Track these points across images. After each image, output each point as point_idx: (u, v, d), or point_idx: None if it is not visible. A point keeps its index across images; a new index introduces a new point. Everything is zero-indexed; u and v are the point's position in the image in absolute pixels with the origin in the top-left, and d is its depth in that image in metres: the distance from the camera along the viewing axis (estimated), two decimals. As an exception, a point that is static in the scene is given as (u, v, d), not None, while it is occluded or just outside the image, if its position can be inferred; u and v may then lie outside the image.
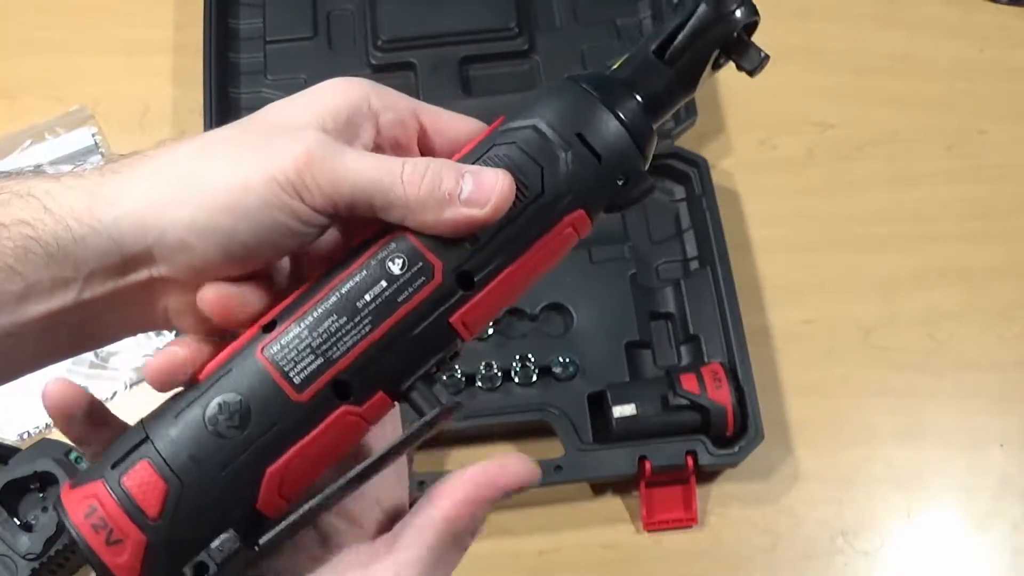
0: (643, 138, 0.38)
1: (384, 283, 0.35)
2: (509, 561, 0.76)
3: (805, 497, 0.77)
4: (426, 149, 0.40)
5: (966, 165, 0.90)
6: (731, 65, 0.40)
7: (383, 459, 0.36)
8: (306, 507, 0.35)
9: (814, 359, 0.82)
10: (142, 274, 0.36)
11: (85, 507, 0.34)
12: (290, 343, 0.35)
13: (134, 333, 0.39)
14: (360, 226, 0.37)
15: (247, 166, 0.35)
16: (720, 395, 0.74)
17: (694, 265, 0.84)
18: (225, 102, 0.89)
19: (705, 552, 0.76)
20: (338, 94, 0.38)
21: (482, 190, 0.35)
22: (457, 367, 0.77)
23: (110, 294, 0.36)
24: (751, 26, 0.38)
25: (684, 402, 0.74)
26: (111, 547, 0.34)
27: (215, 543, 0.34)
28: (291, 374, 0.35)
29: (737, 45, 0.38)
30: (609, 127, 0.37)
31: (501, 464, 0.38)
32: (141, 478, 0.34)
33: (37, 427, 0.79)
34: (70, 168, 0.81)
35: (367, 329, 0.35)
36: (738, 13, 0.37)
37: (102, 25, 0.96)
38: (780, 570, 0.75)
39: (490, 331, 0.80)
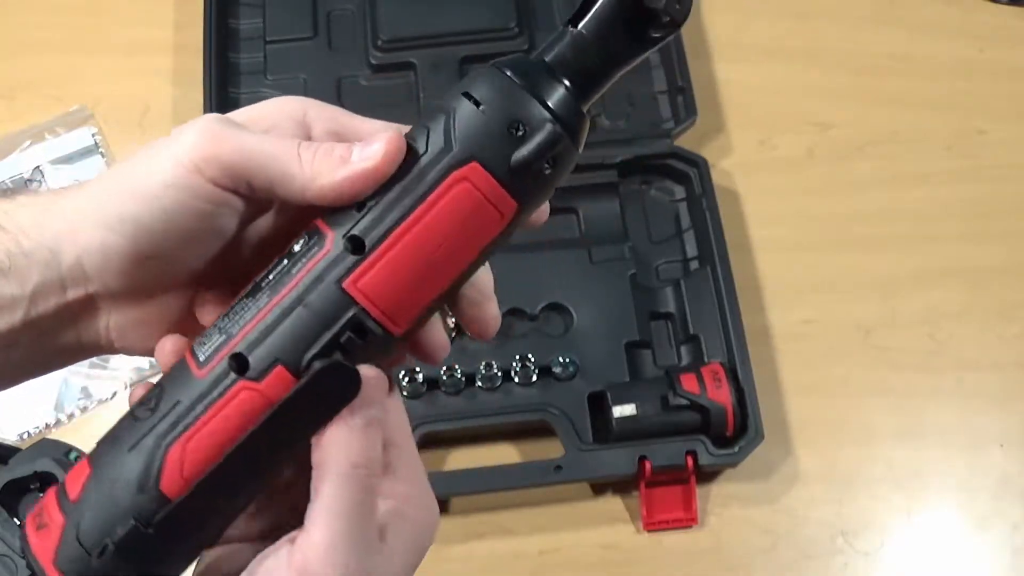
0: (538, 87, 0.36)
1: (285, 261, 0.36)
2: (509, 561, 0.76)
3: (805, 497, 0.77)
4: None
5: (966, 165, 0.90)
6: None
7: (266, 428, 0.34)
8: (196, 483, 0.34)
9: (814, 359, 0.82)
10: (79, 291, 0.37)
11: (38, 505, 0.36)
12: (208, 330, 0.36)
13: (85, 357, 0.40)
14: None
15: (152, 154, 0.36)
16: (720, 395, 0.74)
17: (694, 265, 0.84)
18: (225, 102, 0.89)
19: (705, 552, 0.76)
20: (268, 104, 0.39)
21: (371, 146, 0.35)
22: (457, 367, 0.77)
23: (55, 313, 0.37)
24: None
25: (684, 402, 0.74)
26: (39, 532, 0.35)
27: (118, 525, 0.34)
28: (197, 353, 0.35)
29: None
30: (494, 79, 0.36)
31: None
32: (77, 469, 0.36)
33: (37, 427, 0.79)
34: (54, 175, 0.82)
35: (263, 302, 0.35)
36: None
37: (102, 25, 0.96)
38: (780, 570, 0.75)
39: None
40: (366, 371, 0.35)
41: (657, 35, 0.37)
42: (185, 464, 0.34)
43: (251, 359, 0.35)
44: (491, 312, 0.40)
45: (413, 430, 0.74)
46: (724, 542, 0.76)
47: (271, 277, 0.36)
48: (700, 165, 0.85)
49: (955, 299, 0.84)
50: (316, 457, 0.35)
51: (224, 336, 0.35)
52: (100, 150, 0.90)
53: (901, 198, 0.88)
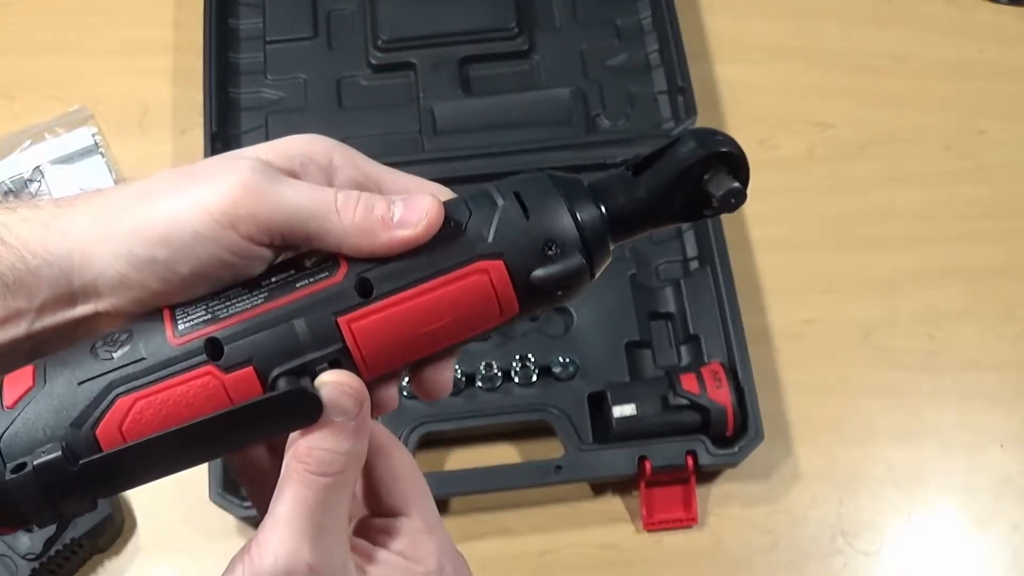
0: (585, 220, 0.37)
1: (292, 270, 0.36)
2: (509, 561, 0.76)
3: (805, 497, 0.77)
4: None
5: (966, 165, 0.90)
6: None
7: (216, 423, 0.34)
8: (132, 443, 0.34)
9: (814, 359, 0.82)
10: (88, 307, 0.37)
11: None
12: (194, 300, 0.36)
13: None
14: None
15: (185, 199, 0.35)
16: (720, 395, 0.74)
17: (694, 265, 0.84)
18: (225, 102, 0.89)
19: (705, 552, 0.76)
20: (297, 143, 0.38)
21: (413, 211, 0.35)
22: (457, 367, 0.77)
23: (59, 325, 0.37)
24: (729, 158, 0.38)
25: (684, 402, 0.74)
26: None
27: (43, 448, 0.34)
28: (179, 320, 0.36)
29: (708, 170, 0.38)
30: (546, 191, 0.37)
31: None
32: (19, 375, 0.36)
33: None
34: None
35: (259, 300, 0.36)
36: (714, 144, 0.38)
37: (102, 25, 0.96)
38: (780, 570, 0.75)
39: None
40: (342, 378, 0.35)
41: (705, 214, 0.39)
42: (127, 420, 0.35)
43: (227, 349, 0.35)
44: (446, 378, 0.40)
45: (412, 430, 0.74)
46: (724, 542, 0.76)
47: (274, 280, 0.36)
48: (700, 165, 0.85)
49: (955, 299, 0.84)
50: (284, 459, 0.36)
51: (209, 316, 0.36)
52: (100, 150, 0.90)
53: (901, 198, 0.88)
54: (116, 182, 0.89)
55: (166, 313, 0.36)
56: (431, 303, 0.36)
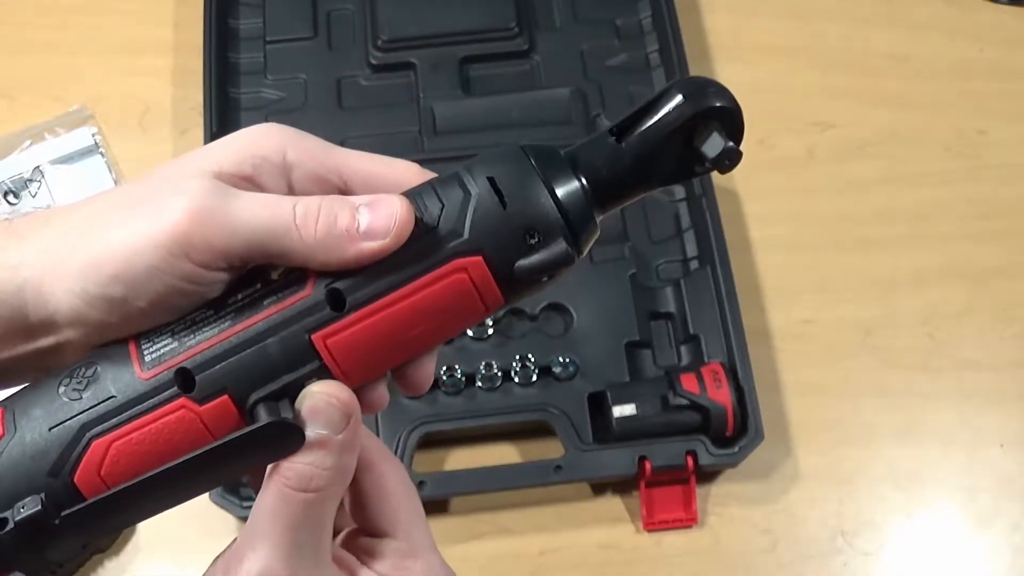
0: (567, 201, 0.34)
1: (259, 285, 0.34)
2: (509, 561, 0.76)
3: (805, 497, 0.77)
4: None
5: (966, 165, 0.90)
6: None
7: (198, 461, 0.33)
8: (113, 490, 0.33)
9: (814, 359, 0.82)
10: (48, 340, 0.35)
11: None
12: (160, 327, 0.34)
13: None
14: None
15: (134, 229, 0.33)
16: (720, 395, 0.74)
17: (694, 265, 0.84)
18: (225, 102, 0.89)
19: (705, 552, 0.76)
20: (247, 142, 0.35)
21: (380, 218, 0.33)
22: (457, 367, 0.77)
23: (19, 357, 0.35)
24: (722, 113, 0.35)
25: (684, 402, 0.74)
26: None
27: (21, 502, 0.33)
28: (145, 352, 0.34)
29: (698, 127, 0.35)
30: (522, 171, 0.34)
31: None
32: None
33: None
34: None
35: (226, 324, 0.34)
36: (705, 100, 0.35)
37: (102, 25, 0.96)
38: (780, 570, 0.75)
39: (490, 331, 0.80)
40: (330, 388, 0.34)
41: (696, 172, 0.36)
42: (105, 464, 0.33)
43: (198, 380, 0.34)
44: (427, 372, 0.38)
45: (412, 430, 0.74)
46: (724, 542, 0.76)
47: (240, 298, 0.34)
48: (700, 165, 0.85)
49: (955, 299, 0.84)
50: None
51: (176, 344, 0.34)
52: (100, 150, 0.90)
53: (901, 198, 0.88)
54: (116, 182, 0.89)
55: (131, 345, 0.34)
56: (409, 309, 0.34)
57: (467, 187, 0.34)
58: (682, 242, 0.85)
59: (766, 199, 0.88)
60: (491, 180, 0.34)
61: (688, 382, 0.75)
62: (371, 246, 0.33)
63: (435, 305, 0.34)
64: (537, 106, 0.89)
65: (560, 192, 0.34)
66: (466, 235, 0.34)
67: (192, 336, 0.34)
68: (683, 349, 0.80)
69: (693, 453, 0.74)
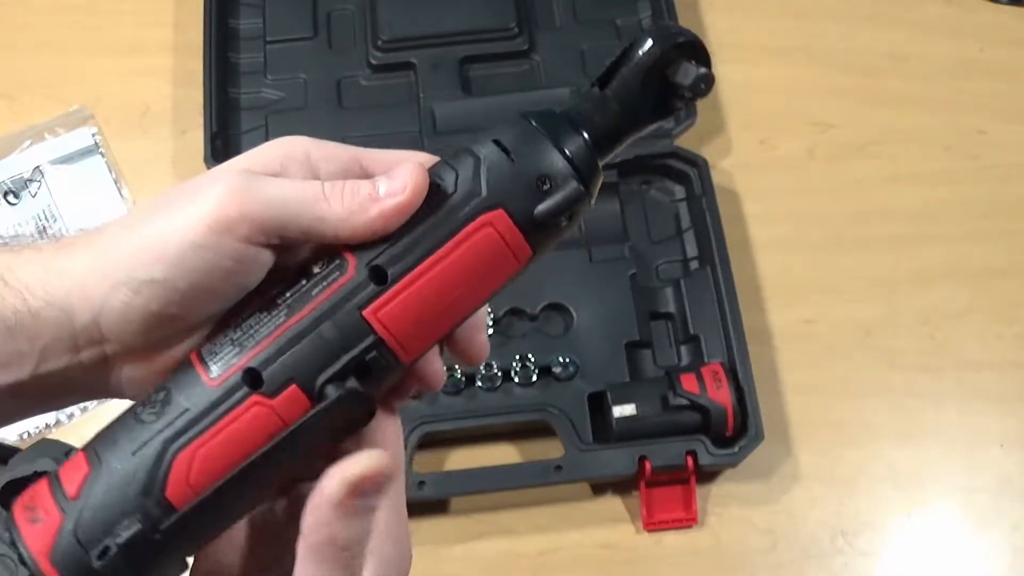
0: (566, 144, 0.37)
1: (304, 280, 0.36)
2: (509, 561, 0.76)
3: (805, 497, 0.77)
4: None
5: (966, 165, 0.90)
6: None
7: (279, 448, 0.35)
8: (206, 493, 0.34)
9: (814, 359, 0.82)
10: (93, 351, 0.36)
11: (27, 497, 0.35)
12: (217, 339, 0.36)
13: (90, 399, 0.40)
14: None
15: (175, 217, 0.35)
16: (720, 395, 0.74)
17: (694, 265, 0.84)
18: (225, 102, 0.89)
19: (705, 552, 0.76)
20: (273, 146, 0.38)
21: (396, 180, 0.36)
22: (457, 367, 0.77)
23: (64, 371, 0.36)
24: (687, 48, 0.38)
25: (684, 402, 0.74)
26: (33, 526, 0.34)
27: (120, 526, 0.34)
28: (209, 362, 0.35)
29: (670, 64, 0.37)
30: (524, 130, 0.37)
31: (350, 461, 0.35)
32: (72, 463, 0.35)
33: (37, 427, 0.79)
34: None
35: (281, 319, 0.35)
36: (670, 38, 0.37)
37: (102, 25, 0.96)
38: (780, 570, 0.75)
39: (490, 331, 0.80)
40: (386, 461, 0.35)
41: (678, 105, 0.39)
42: (192, 473, 0.34)
43: (265, 375, 0.35)
44: (482, 340, 0.40)
45: (413, 430, 0.74)
46: (724, 542, 0.76)
47: (288, 295, 0.36)
48: (700, 165, 0.85)
49: (955, 299, 0.84)
50: (307, 523, 0.35)
51: (238, 349, 0.35)
52: (100, 150, 0.90)
53: (901, 198, 0.88)
54: (116, 182, 0.89)
55: (195, 359, 0.36)
56: (447, 270, 0.36)
57: (476, 153, 0.37)
58: (682, 242, 0.85)
59: (766, 199, 0.88)
60: (496, 141, 0.37)
61: (688, 382, 0.75)
62: (391, 203, 0.35)
63: (470, 262, 0.36)
64: (537, 106, 0.88)
65: (561, 140, 0.37)
66: (484, 193, 0.36)
67: (251, 338, 0.35)
68: (683, 349, 0.81)
69: (693, 453, 0.74)
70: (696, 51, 0.38)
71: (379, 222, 0.35)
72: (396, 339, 0.36)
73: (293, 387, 0.35)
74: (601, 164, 0.39)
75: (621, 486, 0.77)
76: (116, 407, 0.38)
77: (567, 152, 0.37)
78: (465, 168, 0.37)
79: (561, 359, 0.78)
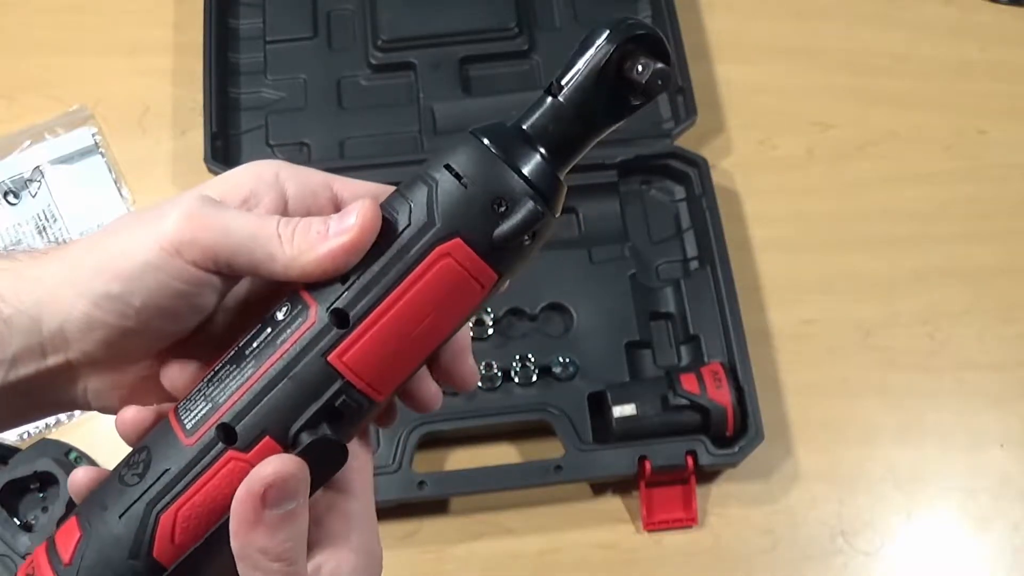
0: (519, 160, 0.36)
1: (269, 329, 0.36)
2: (509, 561, 0.76)
3: (805, 497, 0.77)
4: None
5: (966, 165, 0.90)
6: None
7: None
8: (192, 550, 0.35)
9: (814, 359, 0.82)
10: (59, 357, 0.37)
11: (28, 564, 0.36)
12: (192, 394, 0.36)
13: (60, 412, 0.41)
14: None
15: (135, 235, 0.36)
16: (720, 395, 0.74)
17: (694, 265, 0.84)
18: (225, 102, 0.89)
19: (705, 552, 0.76)
20: (244, 171, 0.39)
21: (346, 218, 0.35)
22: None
23: (33, 377, 0.37)
24: (643, 40, 0.36)
25: (684, 402, 0.74)
26: None
27: None
28: (184, 420, 0.36)
29: (626, 59, 0.36)
30: (475, 151, 0.36)
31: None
32: (66, 528, 0.36)
33: (37, 427, 0.79)
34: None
35: (249, 371, 0.35)
36: (623, 31, 0.36)
37: (102, 25, 0.96)
38: (780, 570, 0.75)
39: (490, 331, 0.80)
40: (287, 465, 0.34)
41: (636, 103, 0.37)
42: (176, 532, 0.35)
43: (239, 430, 0.35)
44: (468, 365, 0.40)
45: (413, 430, 0.74)
46: (724, 542, 0.76)
47: (255, 345, 0.36)
48: (700, 165, 0.85)
49: (955, 299, 0.84)
50: (234, 545, 0.35)
51: (210, 404, 0.35)
52: (100, 150, 0.90)
53: (901, 198, 0.88)
54: (116, 182, 0.89)
55: (171, 417, 0.36)
56: (409, 306, 0.35)
57: (428, 181, 0.36)
58: (682, 242, 0.85)
59: (766, 199, 0.88)
60: (447, 167, 0.36)
61: (688, 382, 0.75)
62: (338, 242, 0.35)
63: (431, 295, 0.35)
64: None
65: (513, 157, 0.36)
66: (438, 223, 0.35)
67: (222, 392, 0.36)
68: (683, 349, 0.81)
69: (693, 453, 0.74)
70: (653, 44, 0.36)
71: (327, 261, 0.35)
72: (365, 380, 0.36)
73: (267, 439, 0.35)
74: (562, 174, 0.37)
75: (621, 486, 0.77)
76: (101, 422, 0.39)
77: (521, 170, 0.36)
78: (418, 198, 0.36)
79: (561, 359, 0.78)
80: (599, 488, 0.78)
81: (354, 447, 0.38)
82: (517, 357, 0.78)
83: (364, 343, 0.35)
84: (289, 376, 0.35)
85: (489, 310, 0.79)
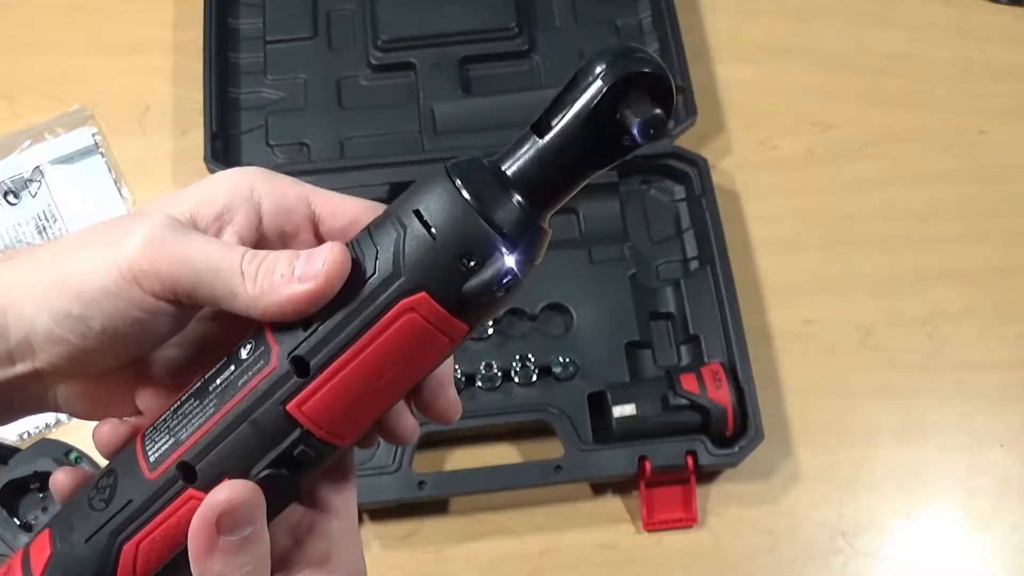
0: (494, 210, 0.33)
1: (232, 367, 0.35)
2: (509, 561, 0.76)
3: (805, 497, 0.77)
4: (320, 237, 0.38)
5: (966, 165, 0.90)
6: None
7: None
8: None
9: (814, 359, 0.82)
10: (27, 365, 0.36)
11: (5, 569, 0.37)
12: (158, 423, 0.36)
13: (33, 414, 0.40)
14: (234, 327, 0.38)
15: (97, 254, 0.35)
16: (720, 395, 0.74)
17: (694, 265, 0.84)
18: (225, 102, 0.89)
19: (705, 552, 0.76)
20: (218, 183, 0.38)
21: (312, 263, 0.34)
22: (457, 367, 0.77)
23: (3, 383, 0.37)
24: (642, 79, 0.32)
25: (684, 402, 0.74)
26: None
27: None
28: (148, 452, 0.36)
29: (623, 98, 0.32)
30: (447, 199, 0.33)
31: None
32: (39, 542, 0.36)
33: (37, 427, 0.79)
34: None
35: (211, 410, 0.35)
36: (623, 67, 0.32)
37: (102, 25, 0.96)
38: (780, 570, 0.75)
39: (490, 331, 0.80)
40: (239, 491, 0.34)
41: (628, 146, 0.33)
42: (138, 563, 0.35)
43: (199, 469, 0.35)
44: (449, 398, 0.39)
45: (413, 430, 0.74)
46: (724, 542, 0.76)
47: (218, 383, 0.35)
48: (700, 165, 0.85)
49: (955, 299, 0.84)
50: (195, 574, 0.35)
51: (173, 440, 0.35)
52: (100, 150, 0.90)
53: (901, 198, 0.88)
54: (116, 182, 0.89)
55: (138, 444, 0.36)
56: (371, 359, 0.33)
57: (397, 226, 0.34)
58: (682, 242, 0.85)
59: (766, 199, 0.88)
60: (417, 213, 0.33)
61: (688, 382, 0.75)
62: (302, 289, 0.33)
63: (395, 350, 0.34)
64: (537, 106, 0.88)
65: (486, 206, 0.33)
66: (404, 275, 0.33)
67: (184, 428, 0.35)
68: (683, 349, 0.81)
69: (693, 453, 0.74)
70: (652, 83, 0.32)
71: (289, 306, 0.34)
72: (325, 430, 0.34)
73: (225, 481, 0.35)
74: (544, 221, 0.34)
75: (621, 486, 0.77)
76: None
77: (495, 221, 0.33)
78: (385, 244, 0.34)
79: (561, 359, 0.78)
80: (599, 488, 0.78)
81: (334, 467, 0.37)
82: (517, 357, 0.78)
83: (324, 394, 0.34)
84: (249, 420, 0.34)
85: (489, 310, 0.79)
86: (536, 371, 0.78)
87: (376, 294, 0.33)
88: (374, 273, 0.33)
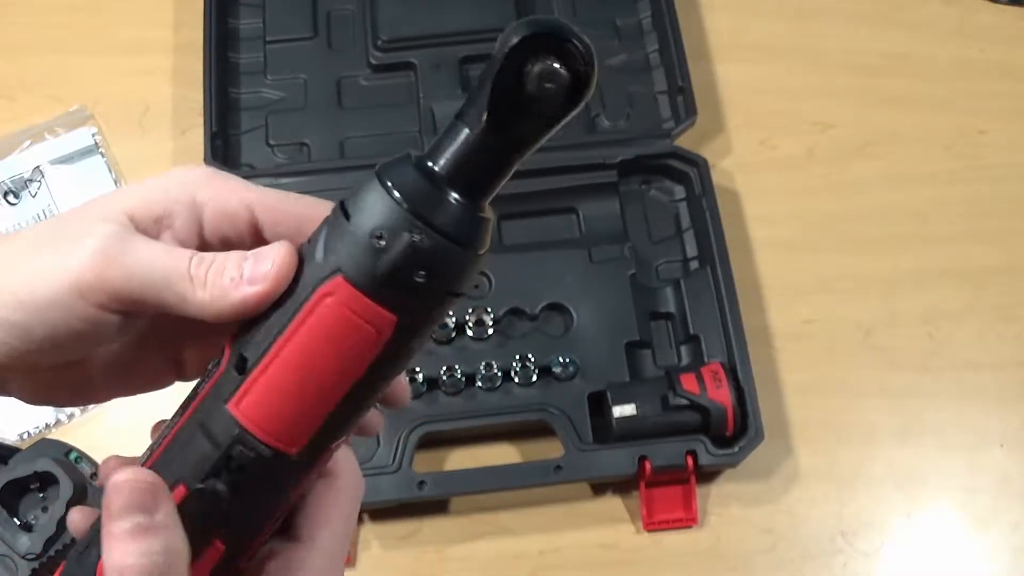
0: (403, 188, 0.32)
1: (200, 379, 0.35)
2: (509, 561, 0.76)
3: (805, 497, 0.77)
4: (264, 243, 0.37)
5: (966, 165, 0.90)
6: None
7: None
8: None
9: (814, 359, 0.82)
10: None
11: None
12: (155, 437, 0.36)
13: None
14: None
15: (44, 263, 0.35)
16: (720, 395, 0.74)
17: (694, 265, 0.84)
18: (225, 102, 0.89)
19: (705, 552, 0.76)
20: (160, 187, 0.37)
21: (261, 264, 0.34)
22: (457, 367, 0.77)
23: None
24: (535, 41, 0.31)
25: (684, 402, 0.74)
26: None
27: None
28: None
29: (524, 66, 0.31)
30: (366, 186, 0.33)
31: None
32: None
33: (37, 427, 0.79)
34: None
35: (177, 417, 0.35)
36: (518, 31, 0.31)
37: (102, 25, 0.96)
38: (780, 570, 0.75)
39: (490, 331, 0.80)
40: (126, 475, 0.33)
41: (540, 114, 0.32)
42: None
43: (164, 477, 0.34)
44: (402, 383, 0.39)
45: (412, 430, 0.74)
46: (724, 542, 0.76)
47: (190, 392, 0.35)
48: (700, 165, 0.85)
49: (955, 299, 0.84)
50: (106, 562, 0.34)
51: (148, 452, 0.36)
52: (100, 150, 0.90)
53: (901, 198, 0.88)
54: (116, 182, 0.89)
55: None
56: (297, 351, 0.33)
57: (328, 219, 0.34)
58: (682, 242, 0.85)
59: (766, 199, 0.88)
60: (342, 203, 0.33)
61: (688, 382, 0.75)
62: (251, 290, 0.34)
63: (319, 340, 0.33)
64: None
65: (394, 185, 0.32)
66: (320, 259, 0.33)
67: (158, 439, 0.36)
68: (683, 349, 0.81)
69: (693, 453, 0.74)
70: (555, 45, 0.31)
71: (240, 309, 0.34)
72: (264, 430, 0.33)
73: (181, 488, 0.34)
74: (484, 207, 0.33)
75: (621, 486, 0.77)
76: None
77: (398, 194, 0.32)
78: (315, 235, 0.34)
79: (561, 359, 0.78)
80: (599, 488, 0.78)
81: (311, 493, 0.37)
82: (517, 357, 0.78)
83: (257, 390, 0.33)
84: (200, 424, 0.34)
85: (489, 310, 0.79)
86: (536, 371, 0.78)
87: (305, 285, 0.33)
88: (302, 264, 0.34)
